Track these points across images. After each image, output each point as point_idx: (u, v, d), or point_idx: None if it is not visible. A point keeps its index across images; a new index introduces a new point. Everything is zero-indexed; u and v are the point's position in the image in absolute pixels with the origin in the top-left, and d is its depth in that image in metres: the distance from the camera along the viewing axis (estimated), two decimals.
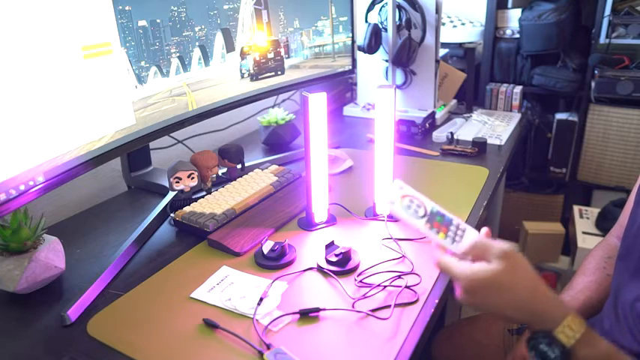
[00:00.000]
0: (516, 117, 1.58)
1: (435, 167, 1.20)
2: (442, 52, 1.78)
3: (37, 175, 0.70)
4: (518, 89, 1.64)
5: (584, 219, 1.76)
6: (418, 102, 1.56)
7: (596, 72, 1.69)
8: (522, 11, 1.79)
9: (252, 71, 1.10)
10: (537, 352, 0.54)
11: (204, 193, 1.03)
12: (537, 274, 0.55)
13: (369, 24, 1.44)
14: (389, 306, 0.69)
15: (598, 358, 0.53)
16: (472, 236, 0.63)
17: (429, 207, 0.64)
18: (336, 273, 0.77)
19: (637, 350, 0.61)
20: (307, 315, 0.68)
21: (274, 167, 1.13)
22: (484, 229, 0.63)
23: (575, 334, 0.52)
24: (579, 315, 0.55)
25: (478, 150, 1.26)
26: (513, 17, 1.82)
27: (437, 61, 1.50)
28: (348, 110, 1.66)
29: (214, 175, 1.05)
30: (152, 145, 1.15)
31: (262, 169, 1.11)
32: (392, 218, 0.93)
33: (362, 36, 1.45)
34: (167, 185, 0.98)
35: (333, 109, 1.71)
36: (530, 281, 0.54)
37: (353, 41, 1.38)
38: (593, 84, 1.70)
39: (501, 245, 0.55)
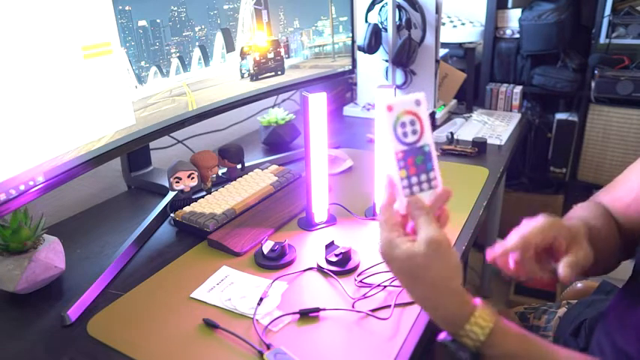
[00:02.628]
0: (516, 117, 1.58)
1: None
2: (442, 52, 1.78)
3: (37, 175, 0.70)
4: (518, 89, 1.64)
5: None
6: None
7: (596, 72, 1.68)
8: (522, 11, 1.79)
9: (252, 71, 1.10)
10: (448, 353, 0.53)
11: (204, 193, 1.03)
12: (455, 271, 0.53)
13: (369, 24, 1.44)
14: (389, 306, 0.69)
15: (512, 351, 0.52)
16: (436, 195, 0.56)
17: (424, 141, 0.55)
18: (336, 273, 0.77)
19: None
20: (307, 315, 0.68)
21: (274, 167, 1.13)
22: (444, 191, 0.56)
23: (482, 332, 0.51)
24: (488, 308, 0.53)
25: (478, 150, 1.26)
26: (513, 17, 1.82)
27: (437, 61, 1.50)
28: (348, 110, 1.66)
29: (214, 175, 1.05)
30: (152, 145, 1.15)
31: (262, 169, 1.11)
32: None
33: (362, 36, 1.45)
34: (167, 185, 0.98)
35: (333, 109, 1.71)
36: (442, 273, 0.52)
37: (353, 41, 1.38)
38: (593, 84, 1.70)
39: (430, 232, 0.52)
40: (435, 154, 0.56)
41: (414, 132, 0.55)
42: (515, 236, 0.60)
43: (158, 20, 0.87)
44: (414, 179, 0.55)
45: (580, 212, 0.76)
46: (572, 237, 0.61)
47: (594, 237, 0.66)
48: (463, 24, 1.90)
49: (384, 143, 0.55)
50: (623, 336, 0.64)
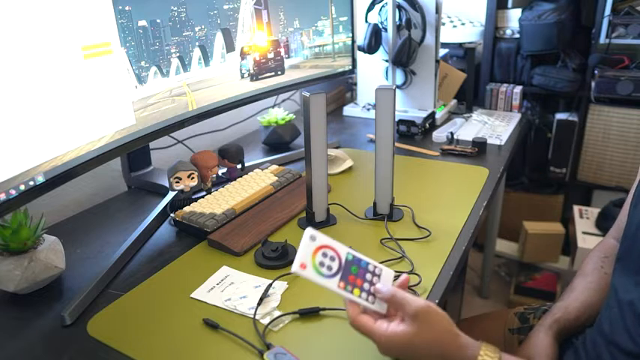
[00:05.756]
0: (516, 117, 1.58)
1: (435, 167, 1.20)
2: (442, 52, 1.78)
3: (37, 175, 0.70)
4: (518, 89, 1.64)
5: (584, 219, 1.76)
6: (418, 102, 1.56)
7: (596, 72, 1.68)
8: (522, 11, 1.79)
9: (252, 71, 1.10)
10: None
11: (204, 193, 1.03)
12: (449, 326, 0.56)
13: (369, 24, 1.44)
14: None
15: None
16: (388, 277, 0.60)
17: (344, 255, 0.59)
18: None
19: (632, 349, 0.61)
20: (307, 315, 0.68)
21: (274, 167, 1.13)
22: (403, 276, 0.61)
23: None
24: (490, 345, 0.58)
25: (478, 150, 1.26)
26: (513, 17, 1.82)
27: (437, 61, 1.50)
28: (348, 110, 1.66)
29: (214, 175, 1.05)
30: (152, 145, 1.15)
31: (262, 169, 1.11)
32: (392, 218, 0.93)
33: (362, 36, 1.45)
34: (167, 185, 0.98)
35: (333, 109, 1.71)
36: (441, 336, 0.56)
37: (353, 41, 1.38)
38: (593, 84, 1.70)
39: (413, 304, 0.55)
40: (355, 251, 0.60)
41: (332, 258, 0.58)
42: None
43: (158, 20, 0.87)
44: (366, 285, 0.59)
45: (580, 282, 0.83)
46: None
47: (587, 304, 0.78)
48: (463, 24, 1.90)
49: (326, 288, 0.57)
50: (615, 328, 0.65)
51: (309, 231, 0.57)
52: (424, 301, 0.56)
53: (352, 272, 0.58)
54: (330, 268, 0.57)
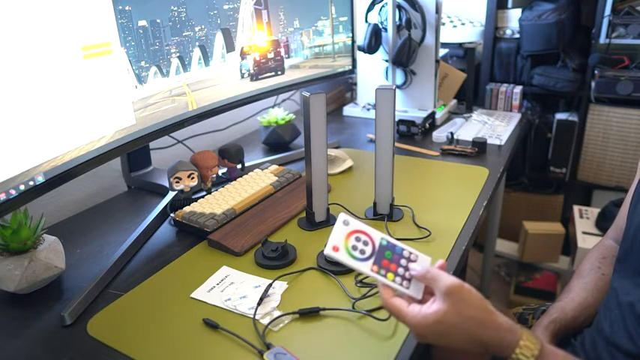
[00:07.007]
0: (516, 117, 1.58)
1: (435, 167, 1.20)
2: (442, 52, 1.78)
3: (37, 175, 0.70)
4: (518, 89, 1.64)
5: (584, 219, 1.76)
6: (418, 102, 1.56)
7: (596, 72, 1.68)
8: (522, 11, 1.79)
9: (252, 71, 1.10)
10: None
11: (204, 193, 1.03)
12: (485, 304, 0.55)
13: (369, 24, 1.44)
14: None
15: None
16: (424, 263, 0.60)
17: (377, 240, 0.59)
18: (336, 273, 0.77)
19: (632, 350, 0.62)
20: (307, 315, 0.68)
21: (274, 167, 1.13)
22: (439, 262, 0.60)
23: (532, 352, 0.53)
24: (533, 333, 0.56)
25: (478, 150, 1.26)
26: (513, 17, 1.82)
27: (437, 61, 1.50)
28: (348, 110, 1.66)
29: (214, 175, 1.05)
30: (152, 145, 1.15)
31: (262, 169, 1.11)
32: (392, 218, 0.93)
33: (362, 36, 1.45)
34: (167, 185, 0.98)
35: (333, 109, 1.71)
36: (476, 314, 0.54)
37: (353, 41, 1.38)
38: (593, 84, 1.70)
39: (447, 281, 0.54)
40: (390, 237, 0.60)
41: (366, 243, 0.59)
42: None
43: (158, 20, 0.87)
44: (401, 270, 0.59)
45: (577, 283, 0.83)
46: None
47: (584, 305, 0.77)
48: (463, 24, 1.90)
49: (358, 270, 0.58)
50: (615, 329, 0.65)
51: (343, 216, 0.59)
52: (457, 279, 0.55)
53: (386, 257, 0.59)
54: (363, 252, 0.58)
